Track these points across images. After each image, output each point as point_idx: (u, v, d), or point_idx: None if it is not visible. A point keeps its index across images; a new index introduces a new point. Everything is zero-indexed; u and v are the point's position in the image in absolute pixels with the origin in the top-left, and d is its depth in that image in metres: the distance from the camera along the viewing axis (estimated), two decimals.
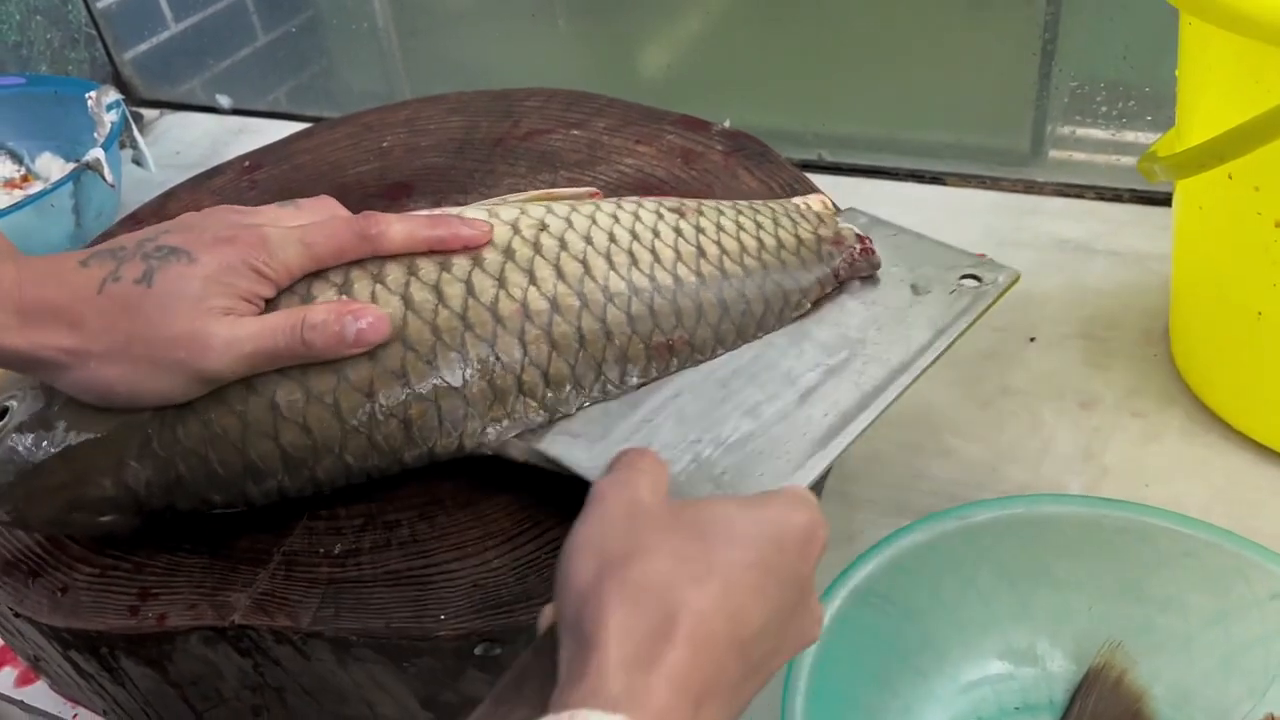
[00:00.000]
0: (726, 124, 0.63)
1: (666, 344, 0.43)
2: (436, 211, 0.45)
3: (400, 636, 0.38)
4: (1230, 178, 0.46)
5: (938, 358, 0.43)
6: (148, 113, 1.02)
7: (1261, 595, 0.40)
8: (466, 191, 0.60)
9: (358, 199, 0.61)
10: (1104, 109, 0.75)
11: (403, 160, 0.64)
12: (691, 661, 0.28)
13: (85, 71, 1.03)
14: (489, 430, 0.40)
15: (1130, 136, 0.75)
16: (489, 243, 0.43)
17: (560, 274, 0.42)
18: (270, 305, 0.40)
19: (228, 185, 0.64)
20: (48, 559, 0.43)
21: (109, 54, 1.05)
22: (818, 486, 0.41)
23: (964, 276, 0.46)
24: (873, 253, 0.47)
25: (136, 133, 0.84)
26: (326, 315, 0.39)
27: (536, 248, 0.42)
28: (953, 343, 0.44)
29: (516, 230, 0.43)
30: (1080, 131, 0.78)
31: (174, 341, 0.38)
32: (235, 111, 1.02)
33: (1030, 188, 0.75)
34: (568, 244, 0.43)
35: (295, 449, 0.39)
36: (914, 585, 0.43)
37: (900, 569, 0.42)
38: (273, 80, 1.04)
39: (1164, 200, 0.64)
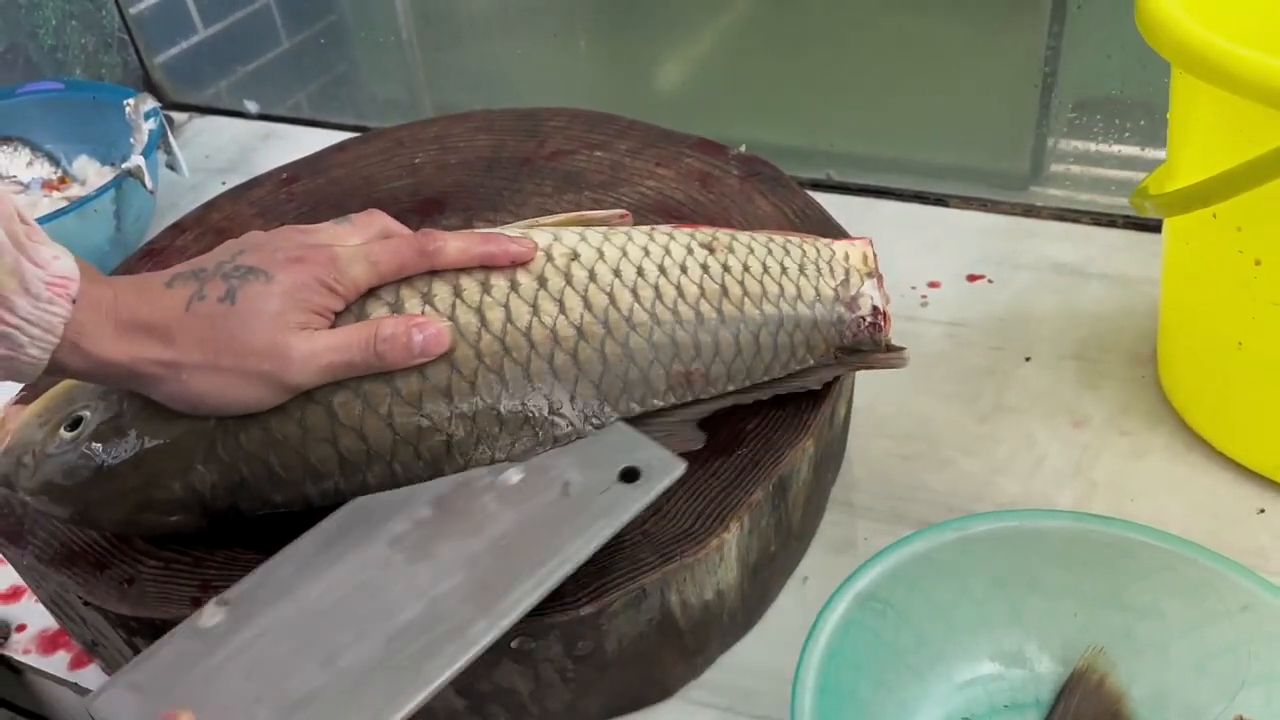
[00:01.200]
0: (742, 149, 0.66)
1: (685, 374, 0.46)
2: (481, 230, 0.49)
3: None
4: (1214, 217, 0.50)
5: (555, 585, 0.39)
6: (178, 116, 1.06)
7: (1233, 607, 0.44)
8: (497, 209, 0.63)
9: (392, 214, 0.63)
10: (1100, 137, 0.79)
11: (434, 177, 0.67)
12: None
13: (118, 75, 1.06)
14: (518, 446, 0.43)
15: (1125, 164, 0.79)
16: (528, 265, 0.46)
17: (588, 304, 0.45)
18: (337, 319, 0.44)
19: (266, 196, 0.68)
20: (114, 553, 0.46)
21: (140, 58, 1.08)
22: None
23: (625, 469, 0.42)
24: (880, 330, 0.49)
25: (172, 140, 0.87)
26: (396, 328, 0.43)
27: (568, 277, 0.46)
28: (579, 564, 0.40)
29: (550, 258, 0.47)
30: (1077, 158, 0.82)
31: (258, 354, 0.41)
32: (261, 116, 1.05)
33: (1029, 211, 0.78)
34: (597, 275, 0.46)
35: (351, 454, 0.42)
36: (912, 591, 0.46)
37: (900, 576, 0.46)
38: (296, 86, 1.07)
39: (1155, 227, 0.67)
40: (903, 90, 0.86)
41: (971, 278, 0.72)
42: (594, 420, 0.45)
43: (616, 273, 0.46)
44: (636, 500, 0.41)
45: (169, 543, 0.46)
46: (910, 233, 0.77)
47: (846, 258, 0.51)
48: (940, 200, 0.81)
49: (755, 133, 0.84)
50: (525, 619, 0.41)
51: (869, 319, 0.49)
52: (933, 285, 0.72)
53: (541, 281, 0.46)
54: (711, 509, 0.44)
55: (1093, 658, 0.46)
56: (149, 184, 0.78)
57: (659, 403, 0.46)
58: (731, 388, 0.47)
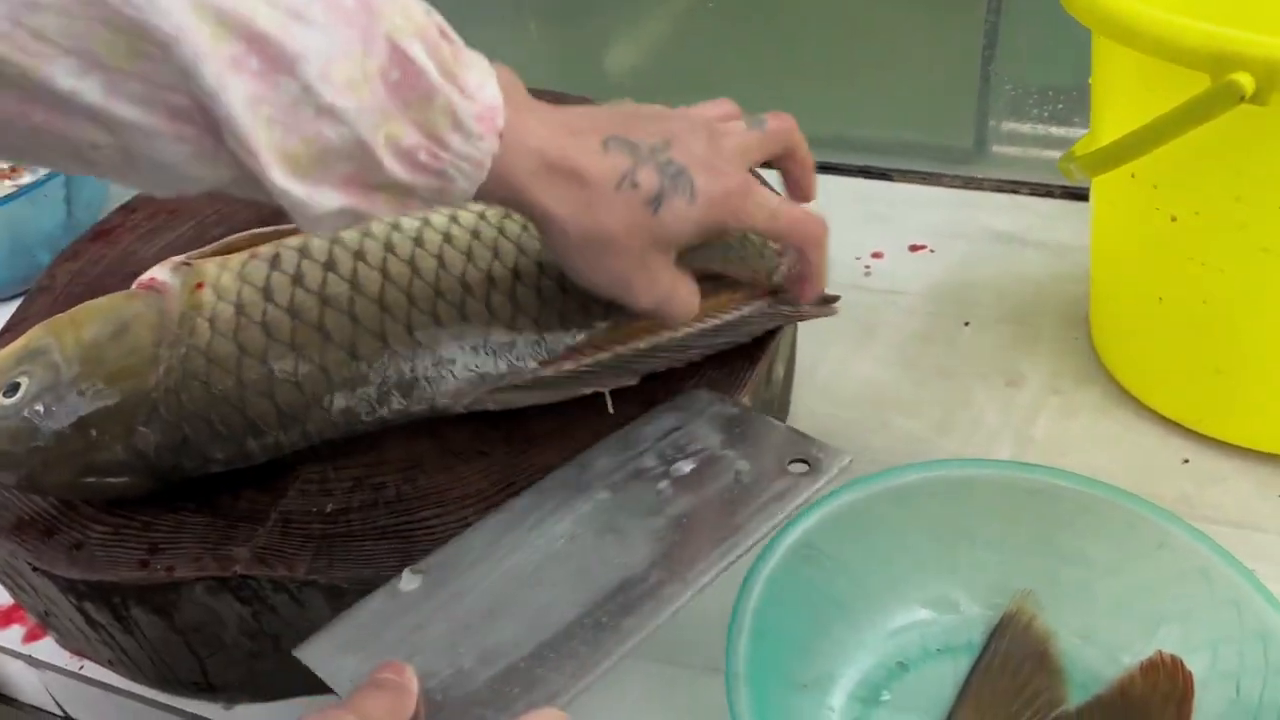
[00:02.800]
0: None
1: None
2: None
3: None
4: (1133, 176, 0.52)
5: (735, 560, 0.41)
6: None
7: (1150, 546, 0.45)
8: None
9: None
10: (1035, 110, 0.81)
11: None
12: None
13: None
14: (461, 383, 0.45)
15: (1061, 136, 0.81)
16: (456, 219, 0.49)
17: (521, 250, 0.48)
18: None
19: None
20: (61, 519, 0.47)
21: None
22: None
23: (794, 460, 0.44)
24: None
25: None
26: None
27: (500, 230, 0.49)
28: (758, 543, 0.42)
29: (483, 217, 0.49)
30: (1017, 131, 0.84)
31: (652, 278, 0.43)
32: None
33: (970, 184, 0.80)
34: (529, 228, 0.49)
35: (289, 406, 0.44)
36: (847, 541, 0.47)
37: (834, 526, 0.47)
38: None
39: (1088, 196, 0.69)
40: (848, 68, 0.88)
41: (914, 248, 0.74)
42: (539, 353, 0.46)
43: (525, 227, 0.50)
44: (809, 485, 0.42)
45: (118, 508, 0.46)
46: (855, 206, 0.79)
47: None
48: (885, 175, 0.82)
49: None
50: None
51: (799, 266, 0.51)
52: (876, 256, 0.74)
53: (475, 234, 0.48)
54: None
55: (1022, 600, 0.48)
56: None
57: (602, 324, 0.48)
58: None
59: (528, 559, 0.40)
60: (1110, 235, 0.58)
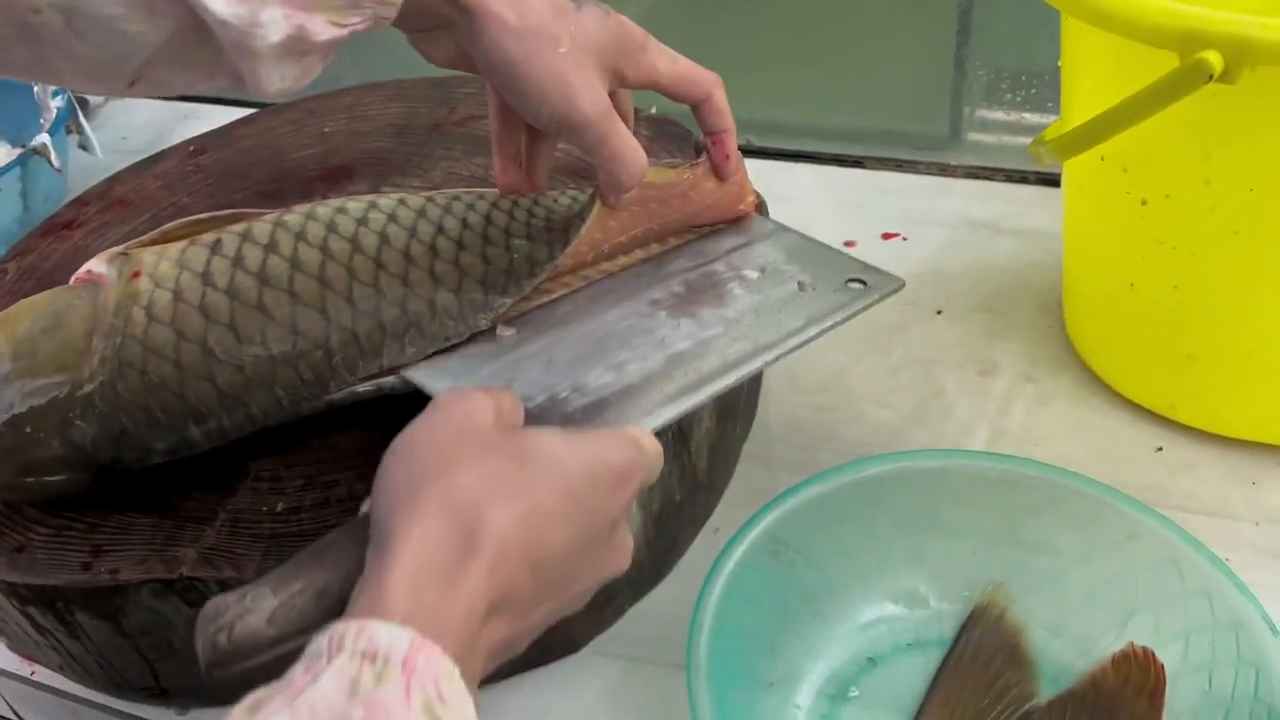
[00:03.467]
0: (653, 110, 0.66)
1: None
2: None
3: None
4: (1103, 160, 0.51)
5: (805, 342, 0.45)
6: (94, 98, 1.03)
7: (1120, 536, 0.44)
8: (405, 174, 0.63)
9: (300, 182, 0.63)
10: (1008, 96, 0.80)
11: (344, 145, 0.66)
12: (487, 579, 0.29)
13: None
14: (407, 351, 0.44)
15: (1036, 122, 0.80)
16: (404, 202, 0.48)
17: (465, 224, 0.48)
18: None
19: (173, 169, 0.67)
20: (4, 521, 0.45)
21: None
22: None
23: (851, 280, 0.48)
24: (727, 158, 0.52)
25: (83, 119, 0.85)
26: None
27: (446, 209, 0.49)
28: (824, 331, 0.46)
29: (431, 199, 0.49)
30: (992, 117, 0.83)
31: (588, 82, 0.42)
32: (181, 97, 1.03)
33: (944, 170, 0.79)
34: (475, 206, 0.50)
35: (231, 387, 0.42)
36: (814, 534, 0.47)
37: (800, 519, 0.46)
38: None
39: None
40: (821, 55, 0.87)
41: (887, 236, 0.73)
42: (483, 315, 0.46)
43: (494, 204, 0.49)
44: (864, 298, 0.47)
45: (62, 509, 0.45)
46: (828, 195, 0.78)
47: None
48: (858, 162, 0.81)
49: (674, 103, 0.85)
50: None
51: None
52: (849, 244, 0.72)
53: (420, 213, 0.48)
54: None
55: (992, 593, 0.47)
56: (55, 162, 0.76)
57: (549, 265, 0.47)
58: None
59: (612, 325, 0.46)
60: (1081, 220, 0.57)
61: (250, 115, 0.71)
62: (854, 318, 0.47)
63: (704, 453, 0.50)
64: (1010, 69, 0.82)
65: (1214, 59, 0.41)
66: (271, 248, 0.44)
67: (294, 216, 0.46)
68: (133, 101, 1.03)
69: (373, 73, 1.02)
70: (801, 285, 0.48)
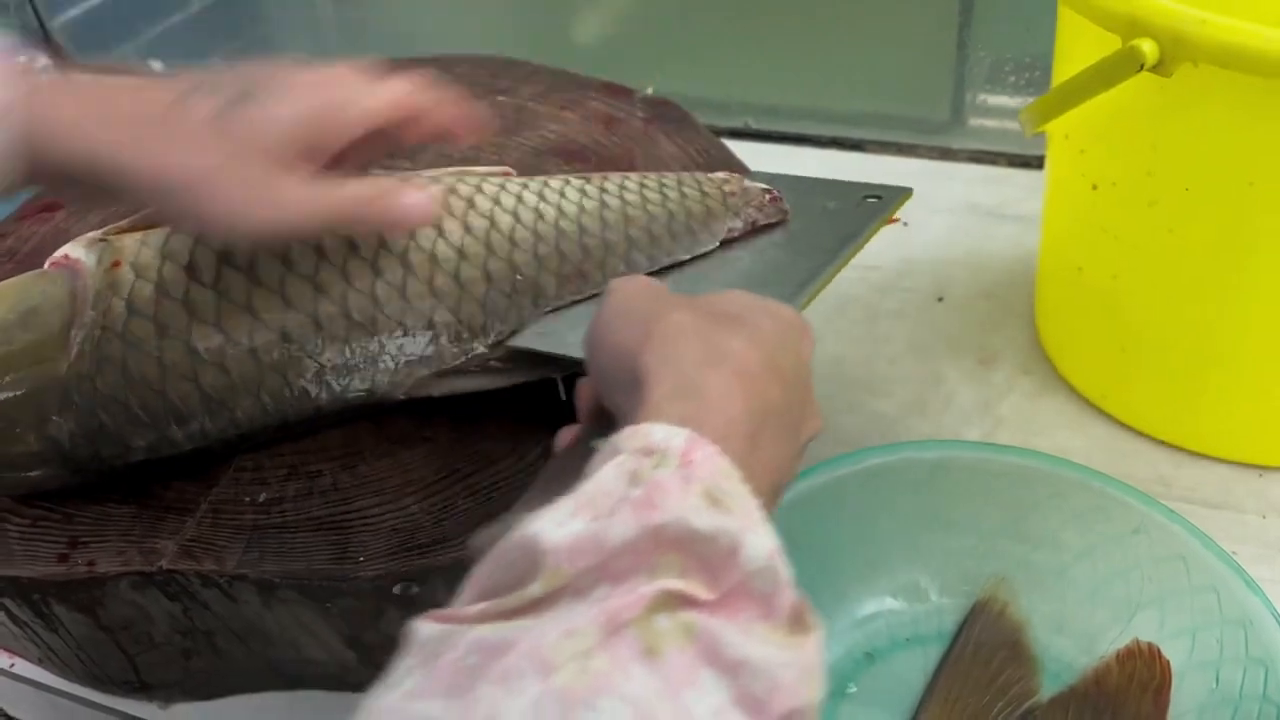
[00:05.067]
0: (649, 91, 0.65)
1: (578, 271, 0.45)
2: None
3: (321, 578, 0.40)
4: (1067, 138, 0.50)
5: (862, 244, 0.49)
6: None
7: (1124, 530, 0.43)
8: (394, 155, 0.61)
9: None
10: (1012, 79, 0.78)
11: None
12: (742, 392, 0.29)
13: (16, 36, 1.02)
14: (400, 369, 0.42)
15: None
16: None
17: (467, 228, 0.45)
18: None
19: None
20: None
21: (39, 17, 1.03)
22: None
23: (867, 197, 0.51)
24: (780, 199, 0.50)
25: None
26: (386, 187, 0.40)
27: (446, 206, 0.45)
28: (870, 235, 0.49)
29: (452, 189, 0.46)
30: (994, 100, 0.81)
31: (245, 187, 0.37)
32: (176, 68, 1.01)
33: (946, 155, 0.78)
34: (476, 204, 0.45)
35: (215, 390, 0.41)
36: (811, 527, 0.45)
37: (800, 510, 0.45)
38: (206, 47, 1.03)
39: None
40: (821, 35, 0.85)
41: (888, 221, 0.72)
42: (481, 338, 0.44)
43: (496, 201, 0.46)
44: (882, 209, 0.51)
45: (38, 499, 0.44)
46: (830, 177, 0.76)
47: (719, 175, 0.51)
48: (857, 146, 0.80)
49: (674, 83, 0.83)
50: (407, 562, 0.40)
51: (766, 196, 0.50)
52: None
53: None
54: None
55: (994, 588, 0.46)
56: None
57: (552, 305, 0.45)
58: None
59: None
60: (1050, 202, 0.57)
61: None
62: (885, 224, 0.50)
63: None
64: (1013, 51, 0.80)
65: (1148, 48, 0.39)
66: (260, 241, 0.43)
67: None
68: None
69: (363, 52, 1.01)
70: (826, 209, 0.50)
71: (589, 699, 0.22)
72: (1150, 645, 0.42)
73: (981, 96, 0.83)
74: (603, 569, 0.24)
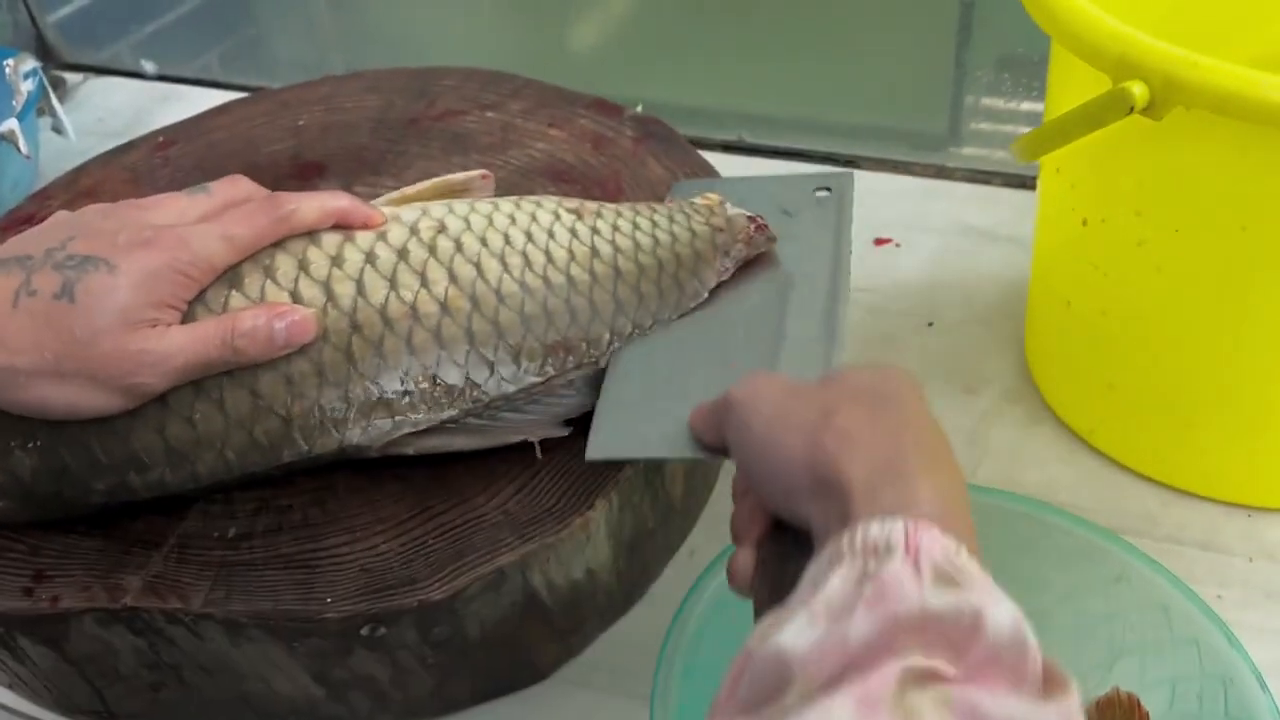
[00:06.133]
0: (639, 109, 0.64)
1: (562, 343, 0.44)
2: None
3: (288, 619, 0.39)
4: (1058, 171, 0.49)
5: (848, 254, 0.49)
6: (71, 77, 1.01)
7: (1107, 578, 0.43)
8: (379, 173, 0.61)
9: (270, 179, 0.61)
10: (1010, 97, 0.77)
11: (317, 140, 0.64)
12: (932, 463, 0.30)
13: (8, 35, 1.01)
14: (371, 430, 0.41)
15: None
16: (387, 237, 0.44)
17: (453, 277, 0.43)
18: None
19: (140, 161, 0.64)
20: None
21: (31, 16, 1.03)
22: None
23: (817, 190, 0.52)
24: (766, 227, 0.49)
25: (55, 101, 0.83)
26: (255, 321, 0.40)
27: (431, 249, 0.43)
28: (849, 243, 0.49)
29: (415, 232, 0.44)
30: (992, 118, 0.80)
31: (105, 359, 0.38)
32: (161, 78, 1.01)
33: (941, 173, 0.77)
34: (463, 246, 0.44)
35: (179, 442, 0.40)
36: None
37: None
38: (199, 46, 1.02)
39: None
40: (818, 50, 0.84)
41: (879, 241, 0.71)
42: (459, 402, 0.42)
43: (483, 241, 0.44)
44: (834, 202, 0.52)
45: (4, 530, 0.43)
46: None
47: (696, 202, 0.50)
48: (851, 162, 0.79)
49: (667, 94, 0.82)
50: (374, 604, 0.39)
51: (751, 226, 0.48)
52: None
53: (402, 254, 0.43)
54: (578, 487, 0.43)
55: None
56: (24, 149, 0.74)
57: (534, 379, 0.44)
58: (618, 345, 0.45)
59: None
60: (1040, 233, 0.56)
61: (224, 105, 0.69)
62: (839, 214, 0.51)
63: (679, 479, 0.48)
64: (1013, 68, 0.79)
65: (1139, 91, 0.39)
66: (235, 282, 0.42)
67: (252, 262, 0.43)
68: (111, 82, 1.01)
69: (358, 55, 1.00)
70: (786, 213, 0.50)
71: None
72: (1130, 694, 0.42)
73: (980, 112, 0.82)
74: (850, 664, 0.25)
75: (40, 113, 0.82)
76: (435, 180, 0.49)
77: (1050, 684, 0.26)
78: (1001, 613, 0.26)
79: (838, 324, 0.44)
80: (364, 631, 0.40)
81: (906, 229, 0.72)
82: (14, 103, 0.80)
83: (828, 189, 0.52)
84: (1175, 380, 0.49)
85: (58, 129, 0.84)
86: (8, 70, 0.81)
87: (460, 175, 0.49)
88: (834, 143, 0.81)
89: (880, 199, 0.75)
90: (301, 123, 0.66)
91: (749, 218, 0.49)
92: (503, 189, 0.59)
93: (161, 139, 0.66)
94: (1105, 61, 0.40)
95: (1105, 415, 0.54)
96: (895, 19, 0.83)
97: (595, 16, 0.91)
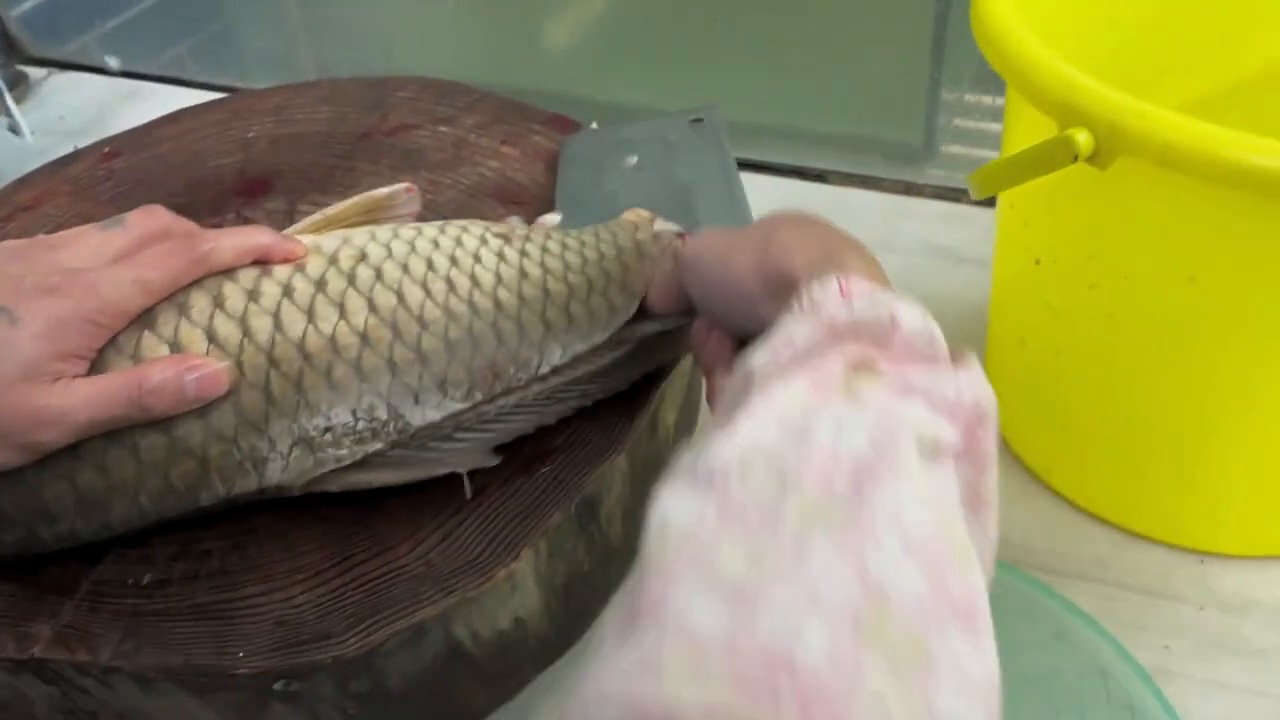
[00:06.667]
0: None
1: (489, 367, 0.43)
2: (252, 226, 0.45)
3: (198, 674, 0.38)
4: (1012, 207, 0.48)
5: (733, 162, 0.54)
6: (34, 72, 0.99)
7: (1048, 634, 0.42)
8: (325, 191, 0.59)
9: (214, 195, 0.60)
10: (981, 118, 0.76)
11: (265, 153, 0.62)
12: (854, 246, 0.36)
13: None
14: (292, 469, 0.40)
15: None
16: (305, 269, 0.43)
17: (373, 306, 0.42)
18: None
19: (84, 174, 0.63)
20: None
21: None
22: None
23: (692, 121, 0.58)
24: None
25: (10, 101, 0.81)
26: (164, 375, 0.38)
27: (351, 279, 0.42)
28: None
29: (334, 261, 0.43)
30: (962, 140, 0.79)
31: (2, 415, 0.36)
32: (125, 74, 0.99)
33: (910, 190, 0.75)
34: (384, 274, 0.43)
35: (90, 490, 0.39)
36: None
37: None
38: (165, 41, 1.01)
39: None
40: (795, 56, 0.83)
41: None
42: (384, 435, 0.41)
43: (405, 268, 0.43)
44: (707, 128, 0.58)
45: None
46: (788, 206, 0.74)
47: (624, 219, 0.49)
48: (820, 176, 0.77)
49: (634, 96, 0.81)
50: (287, 659, 0.38)
51: (680, 239, 0.48)
52: None
53: (320, 285, 0.42)
54: (504, 535, 0.41)
55: None
56: None
57: (460, 405, 0.42)
58: (546, 369, 0.44)
59: None
60: (997, 268, 0.55)
61: (174, 114, 0.67)
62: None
63: (617, 519, 0.47)
64: (989, 80, 0.78)
65: (1083, 139, 0.37)
66: (149, 323, 0.40)
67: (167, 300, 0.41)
68: (75, 77, 0.99)
69: (331, 50, 0.99)
70: (667, 141, 0.57)
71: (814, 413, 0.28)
72: None
73: (954, 125, 0.81)
74: (798, 359, 0.30)
75: None
76: (358, 198, 0.48)
77: (956, 358, 0.31)
78: (912, 311, 0.31)
79: (745, 209, 0.49)
80: (277, 687, 0.38)
81: (870, 247, 0.70)
82: None
83: (700, 119, 0.58)
84: (1128, 424, 0.48)
85: (14, 129, 0.83)
86: None
87: (383, 190, 0.48)
88: (804, 154, 0.79)
89: (846, 215, 0.72)
90: (251, 135, 0.64)
91: (675, 233, 0.48)
92: (451, 210, 0.57)
93: (107, 149, 0.65)
94: (1051, 106, 0.39)
95: (1060, 455, 0.53)
96: (870, 22, 0.81)
97: (567, 15, 0.90)
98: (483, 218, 0.56)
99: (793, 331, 0.31)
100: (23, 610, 0.40)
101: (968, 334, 0.63)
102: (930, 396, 0.29)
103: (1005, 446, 0.56)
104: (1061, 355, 0.48)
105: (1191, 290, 0.41)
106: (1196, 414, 0.46)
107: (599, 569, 0.47)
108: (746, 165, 0.79)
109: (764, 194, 0.74)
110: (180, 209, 0.58)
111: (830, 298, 0.31)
